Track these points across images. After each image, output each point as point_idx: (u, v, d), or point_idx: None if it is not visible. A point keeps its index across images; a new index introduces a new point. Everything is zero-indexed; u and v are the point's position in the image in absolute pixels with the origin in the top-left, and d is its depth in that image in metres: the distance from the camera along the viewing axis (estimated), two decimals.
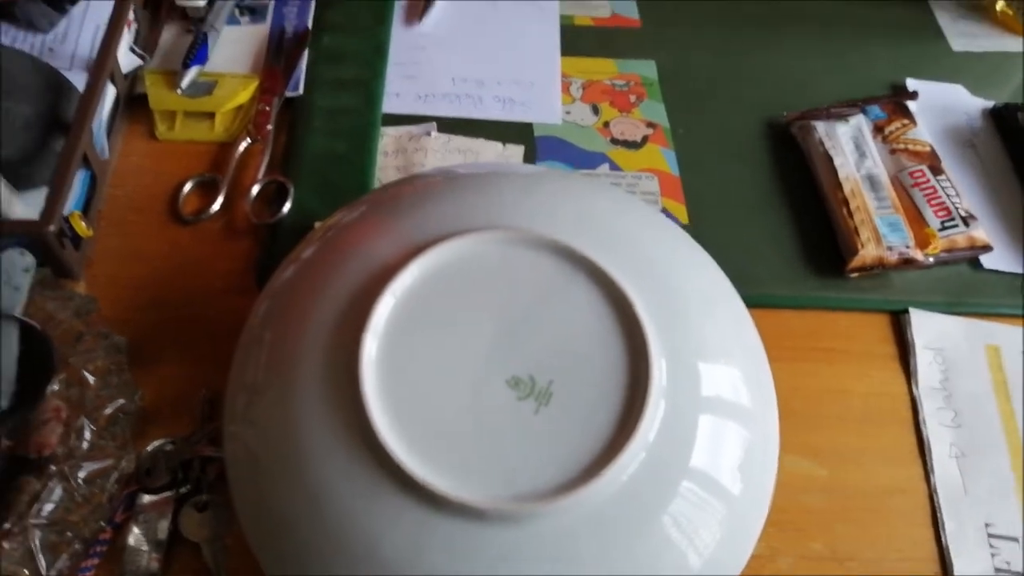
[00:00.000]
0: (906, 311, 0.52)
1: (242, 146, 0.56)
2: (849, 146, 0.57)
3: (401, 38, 0.64)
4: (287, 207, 0.53)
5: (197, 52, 0.58)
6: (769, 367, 0.39)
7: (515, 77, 0.63)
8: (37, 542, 0.38)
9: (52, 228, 0.45)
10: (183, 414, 0.45)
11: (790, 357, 0.50)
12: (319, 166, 0.56)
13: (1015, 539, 0.45)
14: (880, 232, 0.53)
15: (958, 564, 0.44)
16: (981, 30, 0.70)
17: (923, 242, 0.53)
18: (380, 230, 0.37)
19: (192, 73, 0.58)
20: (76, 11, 0.58)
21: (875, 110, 0.60)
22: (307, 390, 0.33)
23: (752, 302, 0.41)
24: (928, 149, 0.58)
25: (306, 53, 0.61)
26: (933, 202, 0.55)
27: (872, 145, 0.58)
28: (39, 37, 0.57)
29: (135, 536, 0.41)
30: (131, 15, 0.57)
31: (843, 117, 0.59)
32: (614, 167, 0.58)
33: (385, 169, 0.56)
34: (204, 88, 0.58)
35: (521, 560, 0.31)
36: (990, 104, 0.64)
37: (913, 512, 0.46)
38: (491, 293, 0.35)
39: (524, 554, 0.31)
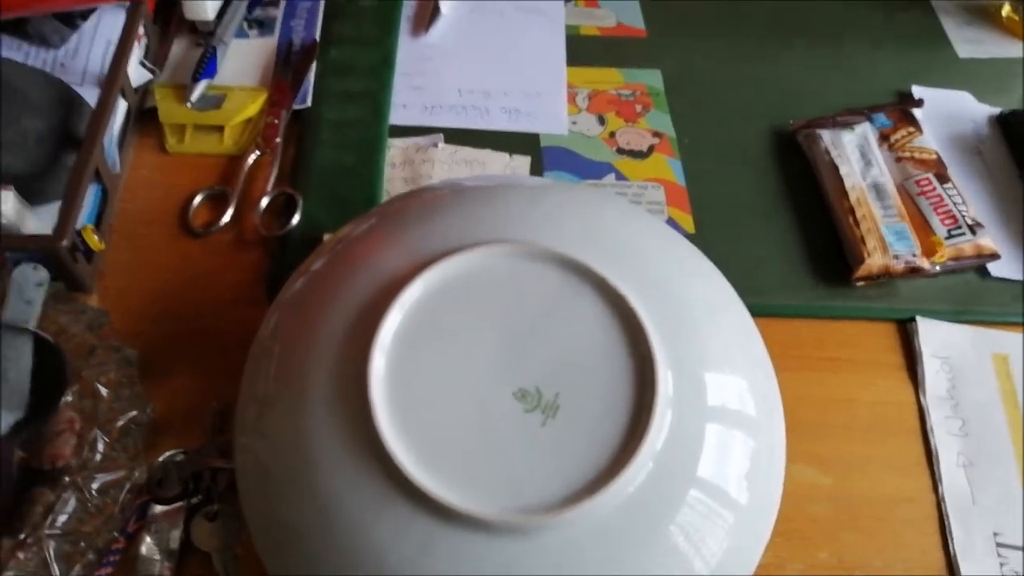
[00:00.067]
0: (913, 320, 0.52)
1: (251, 159, 0.56)
2: (855, 155, 0.58)
3: (408, 49, 0.65)
4: (296, 219, 0.53)
5: (206, 66, 0.59)
6: (775, 376, 0.39)
7: (521, 88, 0.63)
8: (51, 552, 0.39)
9: (65, 243, 0.46)
10: (194, 426, 0.46)
11: (796, 366, 0.50)
12: (327, 178, 0.56)
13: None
14: (886, 241, 0.53)
15: (966, 574, 0.44)
16: (987, 36, 0.70)
17: (929, 250, 0.53)
18: (388, 243, 0.38)
19: (201, 87, 0.59)
20: (87, 26, 0.59)
21: (881, 118, 0.60)
22: (316, 402, 0.34)
23: (758, 311, 0.41)
24: (934, 157, 0.58)
25: (314, 65, 0.61)
26: (939, 210, 0.55)
27: (878, 153, 0.58)
28: (51, 53, 0.58)
29: (147, 545, 0.41)
30: (141, 30, 0.58)
31: (849, 125, 0.59)
32: (620, 177, 0.58)
33: (392, 181, 0.57)
34: (213, 101, 0.59)
35: (528, 572, 0.31)
36: (996, 111, 0.64)
37: (921, 521, 0.46)
38: (498, 306, 0.35)
39: (531, 566, 0.31)
